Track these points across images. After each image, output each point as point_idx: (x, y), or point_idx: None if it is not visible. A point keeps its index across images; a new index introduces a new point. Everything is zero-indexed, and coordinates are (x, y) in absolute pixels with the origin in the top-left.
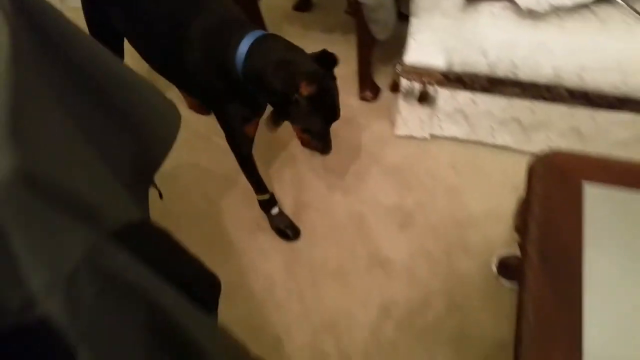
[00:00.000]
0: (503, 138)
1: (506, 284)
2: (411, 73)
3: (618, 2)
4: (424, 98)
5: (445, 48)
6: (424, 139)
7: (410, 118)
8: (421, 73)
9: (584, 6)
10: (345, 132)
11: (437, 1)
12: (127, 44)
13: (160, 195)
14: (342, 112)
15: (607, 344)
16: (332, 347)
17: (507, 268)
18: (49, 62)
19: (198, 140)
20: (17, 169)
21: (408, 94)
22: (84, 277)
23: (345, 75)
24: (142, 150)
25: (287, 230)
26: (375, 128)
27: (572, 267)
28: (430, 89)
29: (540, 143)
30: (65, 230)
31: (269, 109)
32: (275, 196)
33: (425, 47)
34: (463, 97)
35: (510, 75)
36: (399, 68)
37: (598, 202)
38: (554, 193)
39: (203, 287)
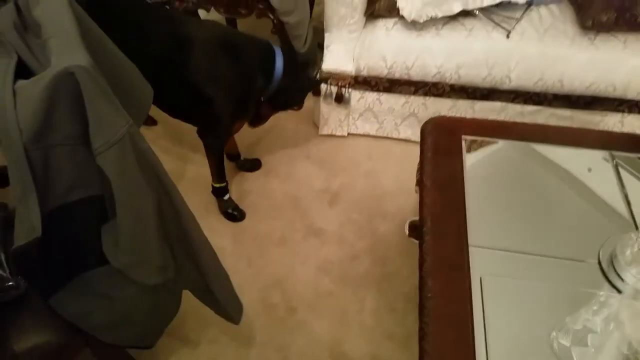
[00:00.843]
0: (405, 132)
1: (415, 242)
2: (328, 77)
3: (478, 15)
4: (340, 99)
5: (353, 56)
6: (343, 137)
7: (330, 118)
8: (336, 77)
9: (454, 19)
10: (276, 137)
11: (344, 19)
12: None
13: None
14: (272, 120)
15: (486, 231)
16: (279, 299)
17: (416, 229)
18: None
19: None
20: (91, 62)
21: (327, 96)
22: (128, 144)
23: None
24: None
25: (234, 212)
26: (301, 130)
27: (457, 186)
28: (344, 91)
29: None
30: (117, 109)
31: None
32: None
33: (337, 56)
34: (371, 96)
35: (405, 76)
36: (318, 74)
37: (473, 148)
38: (440, 143)
39: None
